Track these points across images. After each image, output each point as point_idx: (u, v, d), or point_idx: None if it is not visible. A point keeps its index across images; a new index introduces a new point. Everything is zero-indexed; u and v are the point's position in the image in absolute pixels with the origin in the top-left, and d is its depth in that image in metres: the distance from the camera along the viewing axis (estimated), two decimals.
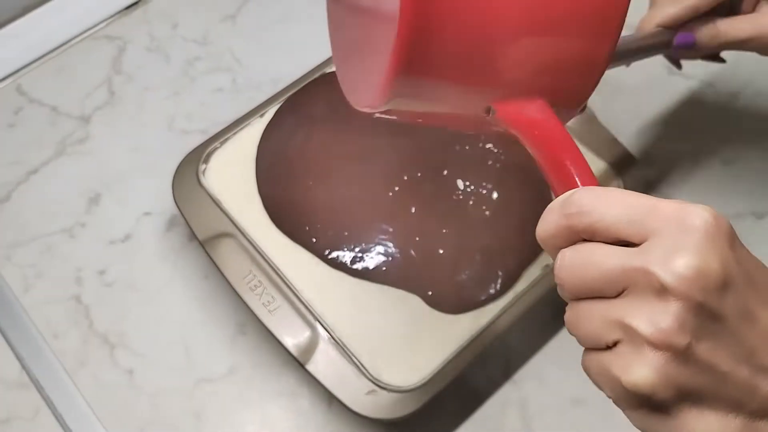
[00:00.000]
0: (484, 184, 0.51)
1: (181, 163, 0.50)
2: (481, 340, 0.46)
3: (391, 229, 0.49)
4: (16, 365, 0.48)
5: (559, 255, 0.28)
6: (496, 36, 0.31)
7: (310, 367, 0.44)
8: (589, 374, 0.28)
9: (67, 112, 0.58)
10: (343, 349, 0.45)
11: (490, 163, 0.52)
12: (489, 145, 0.52)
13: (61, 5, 0.62)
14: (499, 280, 0.48)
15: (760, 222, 0.54)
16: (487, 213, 0.50)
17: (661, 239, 0.26)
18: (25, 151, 0.56)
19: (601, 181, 0.52)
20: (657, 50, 0.47)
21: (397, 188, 0.51)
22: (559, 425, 0.48)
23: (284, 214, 0.50)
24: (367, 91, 0.34)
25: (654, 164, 0.56)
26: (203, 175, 0.50)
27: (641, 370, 0.26)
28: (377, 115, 0.35)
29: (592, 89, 0.34)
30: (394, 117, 0.36)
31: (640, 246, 0.26)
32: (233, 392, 0.48)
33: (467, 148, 0.52)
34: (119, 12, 0.63)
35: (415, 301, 0.47)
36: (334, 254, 0.48)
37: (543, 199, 0.50)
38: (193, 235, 0.50)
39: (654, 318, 0.25)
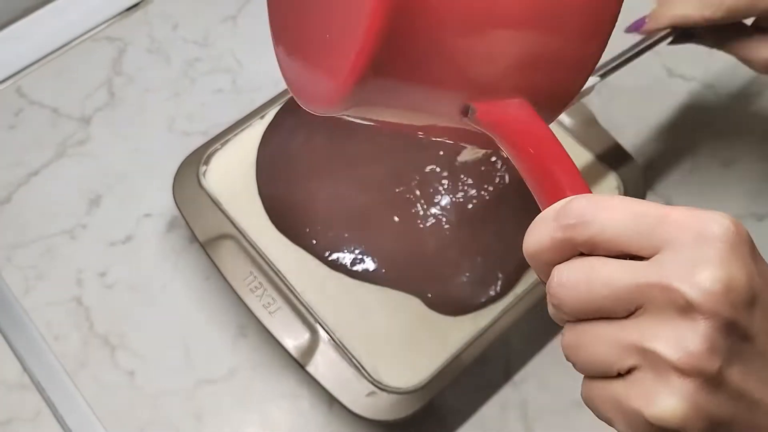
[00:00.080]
0: (484, 185, 0.51)
1: (181, 165, 0.50)
2: (480, 342, 0.46)
3: (391, 231, 0.49)
4: (16, 366, 0.48)
5: (555, 272, 0.25)
6: (483, 25, 0.27)
7: (311, 368, 0.44)
8: (593, 406, 0.25)
9: (67, 113, 0.58)
10: (344, 350, 0.45)
11: (491, 163, 0.52)
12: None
13: (61, 7, 0.62)
14: (499, 282, 0.48)
15: (760, 224, 0.54)
16: (488, 215, 0.50)
17: (677, 251, 0.23)
18: (26, 153, 0.56)
19: (601, 183, 0.52)
20: (649, 50, 0.47)
21: (397, 190, 0.51)
22: (559, 427, 0.48)
23: (285, 216, 0.50)
24: (323, 89, 0.29)
25: (653, 166, 0.56)
26: (204, 176, 0.50)
27: (669, 400, 0.22)
28: (339, 116, 0.31)
29: (579, 89, 0.31)
30: (356, 119, 0.32)
31: (652, 259, 0.23)
32: (233, 393, 0.48)
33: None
34: (120, 13, 0.63)
35: (415, 303, 0.47)
36: (334, 256, 0.48)
37: None
38: (193, 237, 0.50)
39: (680, 340, 0.22)
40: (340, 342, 0.45)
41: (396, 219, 0.50)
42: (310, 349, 0.45)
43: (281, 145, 0.52)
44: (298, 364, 0.45)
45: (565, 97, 0.31)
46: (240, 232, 0.48)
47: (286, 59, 0.33)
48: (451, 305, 0.47)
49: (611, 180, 0.52)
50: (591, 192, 0.27)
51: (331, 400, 0.46)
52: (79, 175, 0.55)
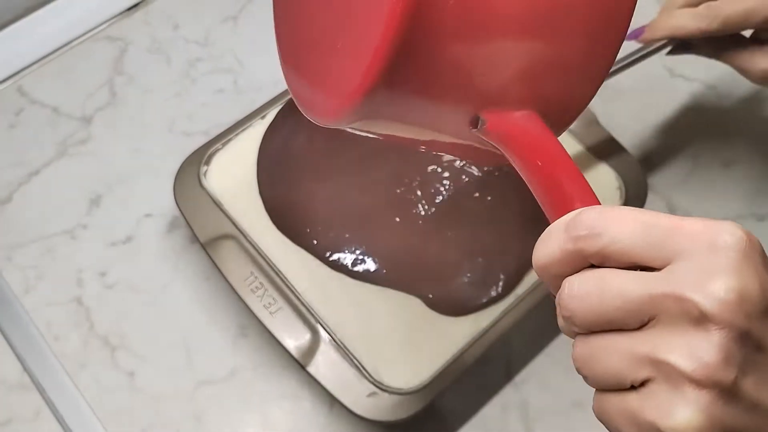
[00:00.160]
0: (486, 186, 0.51)
1: (182, 165, 0.50)
2: (482, 343, 0.46)
3: (392, 232, 0.49)
4: (17, 366, 0.48)
5: (566, 283, 0.25)
6: (496, 34, 0.27)
7: (312, 369, 0.44)
8: (606, 420, 0.25)
9: (68, 113, 0.58)
10: (345, 351, 0.45)
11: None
12: None
13: (62, 6, 0.62)
14: (501, 283, 0.48)
15: (761, 224, 0.54)
16: (489, 215, 0.50)
17: (689, 261, 0.23)
18: (27, 152, 0.56)
19: (602, 183, 0.52)
20: (647, 57, 0.48)
21: (398, 190, 0.51)
22: (559, 427, 0.48)
23: (285, 216, 0.50)
24: (331, 101, 0.29)
25: (655, 166, 0.56)
26: (204, 176, 0.50)
27: (684, 412, 0.22)
28: (347, 129, 0.30)
29: (588, 101, 0.31)
30: (363, 132, 0.31)
31: (665, 270, 0.23)
32: (234, 394, 0.48)
33: None
34: (120, 13, 0.63)
35: (416, 304, 0.47)
36: (335, 256, 0.48)
37: None
38: (194, 237, 0.50)
39: (695, 351, 0.22)
40: (341, 342, 0.45)
41: (397, 219, 0.50)
42: (311, 349, 0.45)
43: (282, 146, 0.52)
44: (299, 364, 0.45)
45: (574, 109, 0.31)
46: (241, 232, 0.48)
47: (293, 70, 0.33)
48: (452, 306, 0.47)
49: (612, 180, 0.51)
50: (599, 202, 0.27)
51: (331, 400, 0.46)
52: (80, 174, 0.55)
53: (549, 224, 0.26)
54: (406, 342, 0.46)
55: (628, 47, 0.48)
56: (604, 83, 0.50)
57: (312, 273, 0.48)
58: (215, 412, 0.47)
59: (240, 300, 0.47)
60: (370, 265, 0.48)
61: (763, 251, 0.24)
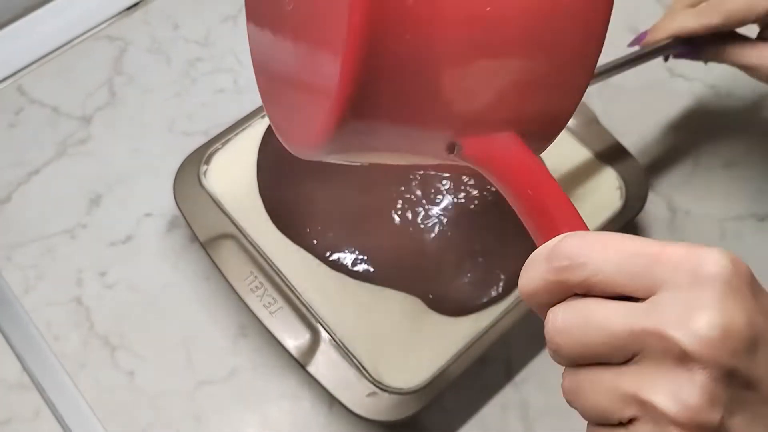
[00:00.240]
0: (487, 186, 0.51)
1: (182, 164, 0.50)
2: (481, 343, 0.46)
3: (392, 231, 0.49)
4: (16, 366, 0.48)
5: (550, 315, 0.24)
6: (466, 59, 0.26)
7: (311, 368, 0.44)
8: None
9: (68, 112, 0.58)
10: (344, 351, 0.45)
11: None
12: None
13: (62, 6, 0.62)
14: (501, 283, 0.48)
15: (762, 224, 0.54)
16: (490, 215, 0.50)
17: (672, 293, 0.22)
18: (26, 152, 0.56)
19: (602, 183, 0.52)
20: (651, 58, 0.47)
21: (398, 190, 0.50)
22: (559, 428, 0.48)
23: (285, 216, 0.50)
24: (303, 136, 0.29)
25: (655, 166, 0.56)
26: (204, 176, 0.50)
27: None
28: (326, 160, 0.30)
29: (568, 118, 0.30)
30: (342, 161, 0.30)
31: (648, 301, 0.23)
32: (234, 394, 0.48)
33: None
34: (120, 13, 0.63)
35: (416, 304, 0.47)
36: (335, 256, 0.48)
37: None
38: (194, 237, 0.50)
39: (678, 392, 0.21)
40: (341, 342, 0.45)
41: (397, 219, 0.50)
42: (311, 349, 0.45)
43: (282, 145, 0.52)
44: (299, 364, 0.45)
45: (555, 126, 0.30)
46: (241, 231, 0.48)
47: (269, 100, 0.32)
48: (452, 306, 0.47)
49: (613, 180, 0.51)
50: (585, 226, 0.26)
51: (331, 400, 0.46)
52: (80, 174, 0.55)
53: (534, 247, 0.26)
54: (406, 342, 0.46)
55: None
56: (605, 83, 0.50)
57: (312, 273, 0.48)
58: (215, 412, 0.47)
59: (240, 300, 0.47)
60: (369, 264, 0.48)
61: (752, 279, 0.23)
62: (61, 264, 0.52)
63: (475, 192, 0.51)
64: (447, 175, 0.51)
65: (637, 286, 0.23)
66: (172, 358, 0.49)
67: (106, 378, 0.48)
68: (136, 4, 0.63)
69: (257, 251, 0.48)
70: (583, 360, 0.24)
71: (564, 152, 0.52)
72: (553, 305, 0.24)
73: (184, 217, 0.49)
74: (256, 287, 0.47)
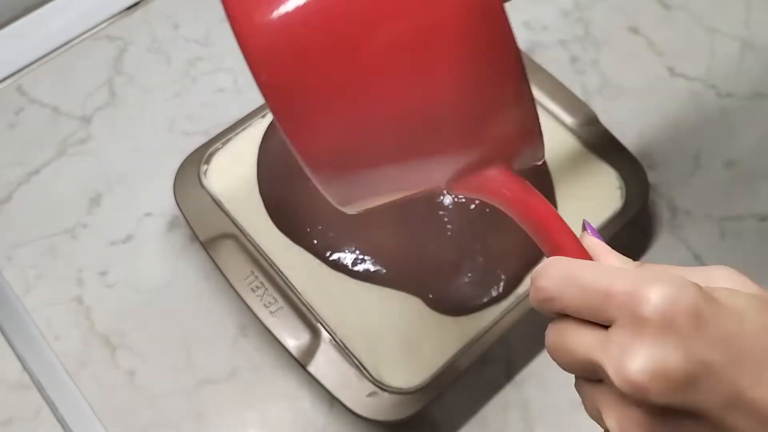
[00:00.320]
0: None
1: (182, 164, 0.50)
2: (482, 343, 0.46)
3: (392, 231, 0.49)
4: (17, 366, 0.48)
5: (546, 331, 0.27)
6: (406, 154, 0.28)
7: (312, 368, 0.44)
8: None
9: (68, 112, 0.58)
10: (345, 350, 0.45)
11: None
12: None
13: (62, 5, 0.62)
14: (501, 283, 0.48)
15: (762, 224, 0.54)
16: (490, 215, 0.50)
17: (619, 329, 0.24)
18: (26, 152, 0.56)
19: (603, 184, 0.52)
20: None
21: None
22: (560, 427, 0.48)
23: (285, 216, 0.50)
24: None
25: (656, 166, 0.56)
26: (204, 175, 0.50)
27: None
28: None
29: (536, 122, 0.29)
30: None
31: (606, 332, 0.24)
32: (234, 393, 0.48)
33: None
34: (120, 12, 0.63)
35: (416, 303, 0.47)
36: (335, 256, 0.48)
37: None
38: (194, 236, 0.50)
39: (621, 422, 0.24)
40: (341, 342, 0.45)
41: (397, 219, 0.50)
42: (311, 349, 0.45)
43: (282, 145, 0.52)
44: (299, 364, 0.45)
45: (530, 139, 0.30)
46: (241, 231, 0.48)
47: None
48: (452, 306, 0.47)
49: (613, 180, 0.51)
50: (574, 245, 0.28)
51: (331, 400, 0.46)
52: (80, 174, 0.55)
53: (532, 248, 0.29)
54: (407, 342, 0.46)
55: None
56: (607, 82, 0.50)
57: (312, 272, 0.48)
58: (215, 412, 0.47)
59: (240, 299, 0.47)
60: (370, 264, 0.48)
61: (696, 310, 0.23)
62: (62, 263, 0.52)
63: None
64: None
65: (600, 319, 0.25)
66: (172, 358, 0.49)
67: (106, 377, 0.48)
68: (136, 4, 0.63)
69: (257, 251, 0.48)
70: (571, 372, 0.27)
71: (564, 152, 0.52)
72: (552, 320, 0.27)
73: (185, 217, 0.49)
74: (257, 287, 0.47)
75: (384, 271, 0.48)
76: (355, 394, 0.44)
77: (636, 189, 0.51)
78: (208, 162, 0.51)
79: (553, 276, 0.26)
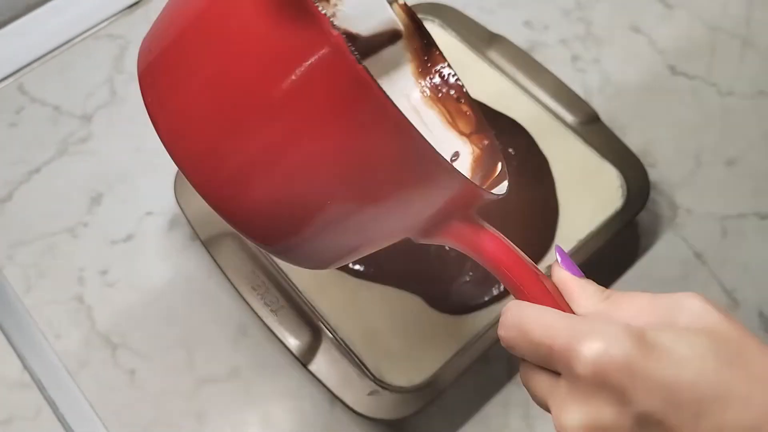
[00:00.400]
0: None
1: None
2: (483, 341, 0.46)
3: None
4: (17, 365, 0.48)
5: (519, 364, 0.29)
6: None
7: (313, 367, 0.44)
8: None
9: (69, 111, 0.58)
10: (346, 349, 0.45)
11: None
12: None
13: (62, 4, 0.62)
14: None
15: (764, 223, 0.54)
16: (491, 214, 0.50)
17: (563, 381, 0.26)
18: (27, 151, 0.56)
19: (604, 183, 0.52)
20: None
21: None
22: None
23: None
24: None
25: (657, 164, 0.56)
26: None
27: None
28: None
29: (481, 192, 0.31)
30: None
31: (557, 380, 0.26)
32: (235, 393, 0.48)
33: None
34: (121, 11, 0.63)
35: (417, 302, 0.47)
36: None
37: (547, 201, 0.50)
38: (195, 235, 0.50)
39: None
40: (342, 341, 0.45)
41: None
42: (312, 348, 0.45)
43: None
44: (300, 363, 0.45)
45: (471, 203, 0.32)
46: None
47: None
48: (453, 304, 0.47)
49: (614, 179, 0.51)
50: (537, 284, 0.29)
51: (333, 399, 0.46)
52: (81, 173, 0.55)
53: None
54: (408, 340, 0.46)
55: None
56: (608, 81, 0.50)
57: (313, 272, 0.48)
58: (216, 411, 0.47)
59: (241, 298, 0.47)
60: (371, 263, 0.48)
61: (627, 365, 0.24)
62: (63, 262, 0.52)
63: None
64: None
65: (551, 369, 0.27)
66: (173, 357, 0.49)
67: (107, 377, 0.48)
68: (136, 3, 0.63)
69: (258, 250, 0.48)
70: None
71: (565, 150, 0.52)
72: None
73: (185, 216, 0.49)
74: (258, 286, 0.47)
75: (385, 269, 0.48)
76: (356, 392, 0.44)
77: (637, 187, 0.51)
78: None
79: (509, 327, 0.28)
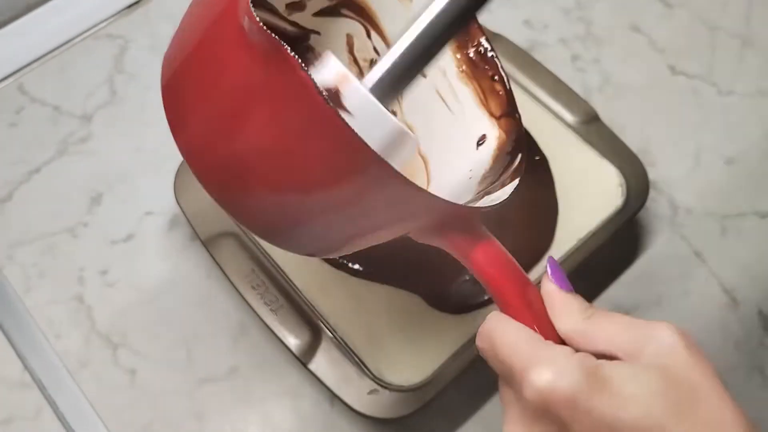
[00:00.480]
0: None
1: (182, 163, 0.50)
2: None
3: None
4: (18, 365, 0.48)
5: None
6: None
7: (312, 366, 0.44)
8: None
9: (68, 111, 0.58)
10: (345, 348, 0.45)
11: None
12: None
13: (62, 4, 0.62)
14: None
15: (763, 221, 0.54)
16: (491, 213, 0.50)
17: (518, 400, 0.28)
18: (27, 151, 0.56)
19: (604, 182, 0.52)
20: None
21: None
22: None
23: None
24: None
25: (657, 163, 0.56)
26: None
27: None
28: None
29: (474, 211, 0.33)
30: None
31: (516, 396, 0.28)
32: (235, 392, 0.48)
33: None
34: (121, 11, 0.63)
35: (416, 301, 0.47)
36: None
37: (547, 200, 0.50)
38: (195, 235, 0.50)
39: None
40: (342, 340, 0.45)
41: None
42: (312, 347, 0.45)
43: None
44: (300, 362, 0.45)
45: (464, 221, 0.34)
46: (241, 229, 0.48)
47: None
48: (453, 303, 0.47)
49: (614, 177, 0.51)
50: (521, 299, 0.31)
51: (332, 398, 0.46)
52: (81, 173, 0.55)
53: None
54: (407, 339, 0.46)
55: None
56: (607, 80, 0.50)
57: (313, 270, 0.48)
58: (216, 410, 0.47)
59: (241, 297, 0.47)
60: (370, 262, 0.48)
61: (571, 399, 0.25)
62: (63, 262, 0.52)
63: None
64: None
65: (511, 386, 0.29)
66: (173, 357, 0.49)
67: (107, 376, 0.48)
68: (136, 3, 0.63)
69: (258, 249, 0.48)
70: None
71: (565, 149, 0.52)
72: None
73: (185, 216, 0.49)
74: (257, 285, 0.47)
75: (385, 269, 0.48)
76: (356, 391, 0.44)
77: (637, 186, 0.51)
78: None
79: (483, 338, 0.30)
